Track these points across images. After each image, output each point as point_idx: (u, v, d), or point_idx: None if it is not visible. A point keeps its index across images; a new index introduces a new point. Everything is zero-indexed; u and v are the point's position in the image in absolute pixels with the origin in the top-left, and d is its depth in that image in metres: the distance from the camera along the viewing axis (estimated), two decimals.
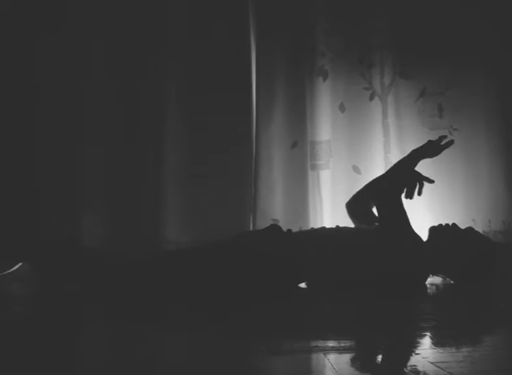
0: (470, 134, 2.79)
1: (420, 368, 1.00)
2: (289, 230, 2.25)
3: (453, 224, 2.27)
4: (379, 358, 1.08)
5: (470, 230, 2.27)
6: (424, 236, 2.32)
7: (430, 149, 2.31)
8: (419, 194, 2.21)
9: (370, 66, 2.82)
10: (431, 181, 2.25)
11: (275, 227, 2.23)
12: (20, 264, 2.47)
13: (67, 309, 1.78)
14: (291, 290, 2.14)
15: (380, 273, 2.09)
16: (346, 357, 1.11)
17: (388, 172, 2.37)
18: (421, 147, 2.31)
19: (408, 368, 1.00)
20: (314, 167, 2.79)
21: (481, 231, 2.66)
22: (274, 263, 2.09)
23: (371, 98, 2.81)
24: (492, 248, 2.24)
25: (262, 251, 2.12)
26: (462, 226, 2.31)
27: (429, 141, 2.33)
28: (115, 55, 2.75)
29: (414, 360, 1.05)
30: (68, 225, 2.66)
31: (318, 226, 2.67)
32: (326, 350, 1.14)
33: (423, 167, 2.72)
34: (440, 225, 2.28)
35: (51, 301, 1.96)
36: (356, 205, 2.43)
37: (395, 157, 2.76)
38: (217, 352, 1.18)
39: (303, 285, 2.19)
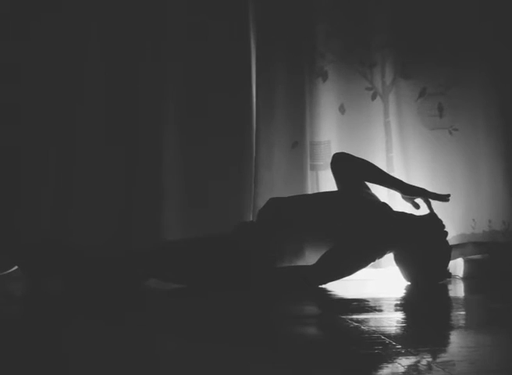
0: (470, 134, 2.78)
1: (420, 368, 1.00)
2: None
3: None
4: (379, 358, 1.08)
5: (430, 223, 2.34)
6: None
7: None
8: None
9: (371, 65, 2.81)
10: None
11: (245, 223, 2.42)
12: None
13: (56, 308, 1.78)
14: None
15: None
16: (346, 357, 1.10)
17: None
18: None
19: (408, 368, 1.00)
20: (313, 167, 2.79)
21: (481, 231, 2.66)
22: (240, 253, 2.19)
23: (373, 97, 2.80)
24: (447, 247, 2.31)
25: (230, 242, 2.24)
26: (462, 226, 2.31)
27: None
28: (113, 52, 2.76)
29: (414, 360, 1.05)
30: (61, 224, 2.65)
31: None
32: None
33: (422, 167, 2.73)
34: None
35: (40, 301, 1.96)
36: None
37: (397, 156, 2.76)
38: (211, 355, 1.17)
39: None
